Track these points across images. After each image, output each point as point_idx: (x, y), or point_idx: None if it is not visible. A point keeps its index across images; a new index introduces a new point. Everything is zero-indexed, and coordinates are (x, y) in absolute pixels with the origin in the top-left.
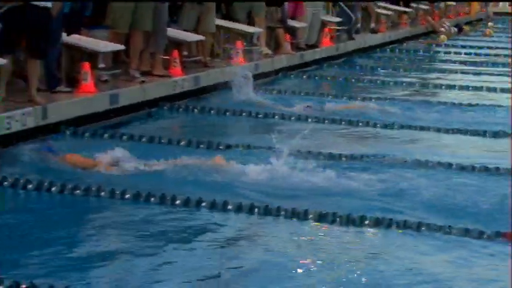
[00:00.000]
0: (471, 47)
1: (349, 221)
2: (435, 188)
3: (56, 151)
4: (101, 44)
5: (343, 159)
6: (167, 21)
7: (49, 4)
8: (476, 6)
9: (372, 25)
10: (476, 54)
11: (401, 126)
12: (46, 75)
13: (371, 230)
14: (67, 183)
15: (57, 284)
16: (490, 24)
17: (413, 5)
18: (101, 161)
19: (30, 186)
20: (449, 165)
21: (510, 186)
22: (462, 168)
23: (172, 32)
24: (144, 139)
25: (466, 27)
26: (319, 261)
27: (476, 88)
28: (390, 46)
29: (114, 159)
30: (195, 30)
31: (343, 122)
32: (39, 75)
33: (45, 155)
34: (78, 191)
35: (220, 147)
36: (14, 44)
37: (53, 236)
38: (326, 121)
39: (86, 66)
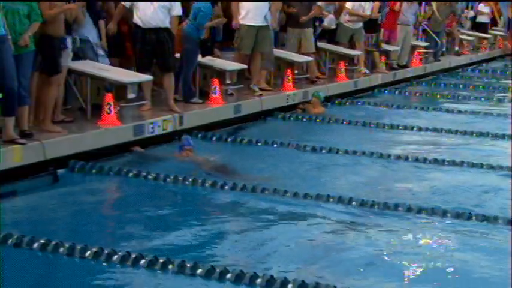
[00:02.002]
0: None
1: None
2: None
3: (193, 145)
4: (228, 64)
5: (428, 162)
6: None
7: (168, 25)
8: None
9: (456, 48)
10: None
11: (480, 134)
12: (183, 88)
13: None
14: (198, 178)
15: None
16: None
17: (492, 31)
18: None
19: (168, 179)
20: None
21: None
22: None
23: (285, 54)
24: (259, 143)
25: None
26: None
27: None
28: (471, 67)
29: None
30: (298, 51)
31: (444, 132)
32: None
33: (185, 149)
34: (206, 184)
35: (323, 151)
36: (149, 62)
37: (190, 219)
38: (414, 128)
39: (216, 82)
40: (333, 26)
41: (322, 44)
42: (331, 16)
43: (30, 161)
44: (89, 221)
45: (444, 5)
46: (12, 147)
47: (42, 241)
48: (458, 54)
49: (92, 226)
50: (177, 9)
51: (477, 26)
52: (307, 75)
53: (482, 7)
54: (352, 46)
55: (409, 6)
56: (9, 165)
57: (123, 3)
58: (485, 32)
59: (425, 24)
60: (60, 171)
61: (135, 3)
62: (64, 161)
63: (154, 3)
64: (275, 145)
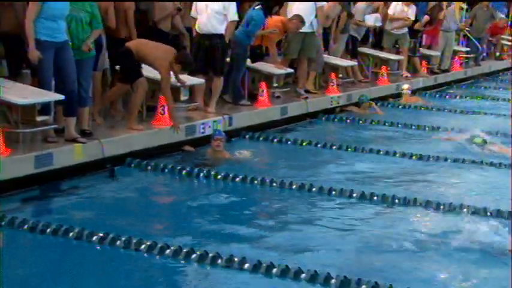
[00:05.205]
0: None
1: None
2: None
3: (224, 136)
4: (275, 68)
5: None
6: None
7: (222, 31)
8: None
9: (497, 54)
10: None
11: None
12: (232, 91)
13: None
14: (247, 175)
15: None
16: None
17: None
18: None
19: (219, 176)
20: None
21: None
22: None
23: (330, 59)
24: (304, 143)
25: None
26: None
27: None
28: (511, 71)
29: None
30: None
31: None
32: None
33: (216, 139)
34: (255, 182)
35: (365, 151)
36: (201, 66)
37: (237, 215)
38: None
39: (263, 85)
40: (379, 24)
41: (365, 49)
42: (377, 15)
43: (90, 159)
44: (144, 215)
45: (482, 10)
46: (73, 145)
47: (100, 234)
48: (498, 58)
49: (146, 221)
50: (232, 14)
51: None
52: (352, 79)
53: None
54: (397, 50)
55: (453, 14)
56: (71, 162)
57: (192, 15)
58: None
59: (467, 30)
60: (117, 167)
61: (198, 11)
62: (121, 158)
63: (208, 9)
64: (319, 145)
